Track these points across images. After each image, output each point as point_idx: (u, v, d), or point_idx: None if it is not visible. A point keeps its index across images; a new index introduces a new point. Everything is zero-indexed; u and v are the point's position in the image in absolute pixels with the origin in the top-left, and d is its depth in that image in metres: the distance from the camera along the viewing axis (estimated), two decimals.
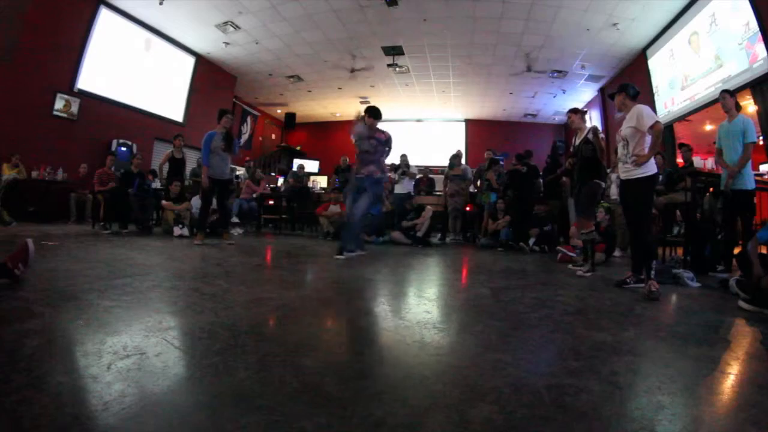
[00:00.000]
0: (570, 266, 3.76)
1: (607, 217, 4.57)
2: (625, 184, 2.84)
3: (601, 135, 3.48)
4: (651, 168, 2.70)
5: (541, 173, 6.42)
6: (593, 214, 3.71)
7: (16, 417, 0.80)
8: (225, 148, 4.55)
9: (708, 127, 7.89)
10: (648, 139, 2.71)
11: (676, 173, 4.71)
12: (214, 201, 4.81)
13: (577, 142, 3.63)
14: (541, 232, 5.52)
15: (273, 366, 1.15)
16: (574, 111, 3.68)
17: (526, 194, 6.01)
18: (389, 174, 7.04)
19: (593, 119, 10.92)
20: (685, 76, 7.16)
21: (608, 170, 5.31)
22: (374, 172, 3.89)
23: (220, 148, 4.51)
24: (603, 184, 3.64)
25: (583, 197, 3.51)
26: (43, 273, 2.28)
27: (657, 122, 2.67)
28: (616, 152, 3.10)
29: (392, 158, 4.93)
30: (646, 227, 2.77)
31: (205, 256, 3.58)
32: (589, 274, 3.30)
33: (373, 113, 4.07)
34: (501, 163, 6.84)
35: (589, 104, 11.26)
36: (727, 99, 3.69)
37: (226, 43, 9.19)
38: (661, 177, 4.45)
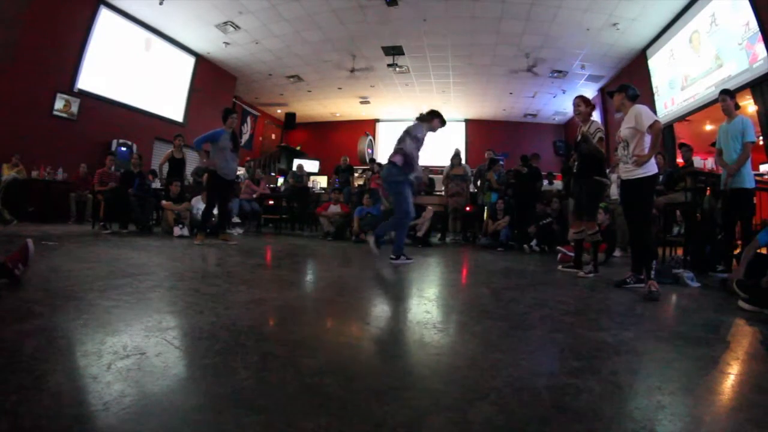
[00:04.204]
0: (561, 267, 3.68)
1: (607, 216, 4.56)
2: (626, 184, 2.83)
3: (600, 136, 3.31)
4: (652, 168, 2.70)
5: (545, 175, 6.40)
6: (596, 214, 3.63)
7: (16, 417, 0.80)
8: (233, 149, 4.52)
9: (708, 127, 7.89)
10: (647, 138, 2.71)
11: (676, 173, 4.71)
12: None
13: (578, 138, 3.48)
14: (540, 225, 5.51)
15: (273, 366, 1.15)
16: (585, 101, 3.47)
17: (526, 195, 5.98)
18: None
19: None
20: (685, 76, 7.17)
21: (608, 170, 5.30)
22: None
23: (229, 149, 4.48)
24: (606, 181, 3.56)
25: (585, 196, 3.41)
26: (43, 273, 2.28)
27: (656, 121, 2.67)
28: (616, 152, 3.08)
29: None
30: (647, 227, 2.77)
31: (205, 256, 3.58)
32: (591, 275, 3.23)
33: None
34: (501, 162, 6.84)
35: None
36: (727, 101, 3.68)
37: (226, 43, 9.19)
38: (661, 177, 4.45)
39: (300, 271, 3.27)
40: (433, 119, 3.68)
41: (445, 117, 3.86)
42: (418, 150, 3.56)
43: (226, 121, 4.55)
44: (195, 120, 9.71)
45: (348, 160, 8.38)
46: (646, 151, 2.69)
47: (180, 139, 6.00)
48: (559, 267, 3.70)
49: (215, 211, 4.85)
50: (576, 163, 3.52)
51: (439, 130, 3.81)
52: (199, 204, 5.54)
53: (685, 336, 1.67)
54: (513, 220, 5.92)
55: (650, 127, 2.65)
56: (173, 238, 5.10)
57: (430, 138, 3.74)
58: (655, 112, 7.95)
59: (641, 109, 2.74)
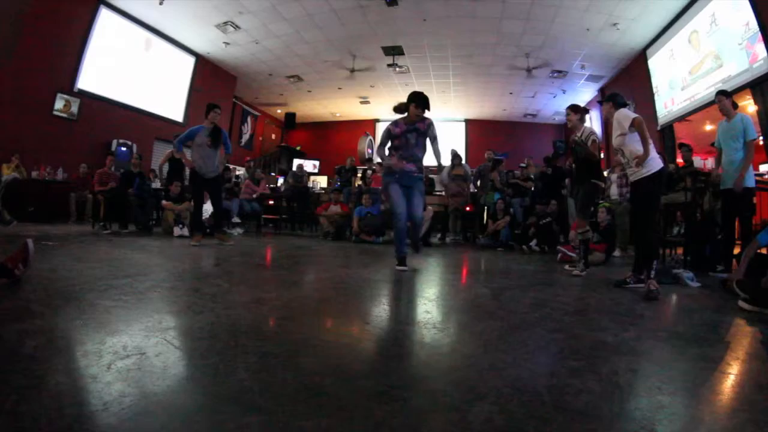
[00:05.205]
0: (566, 266, 3.73)
1: (609, 217, 4.56)
2: (633, 186, 2.85)
3: (594, 138, 3.35)
4: (655, 165, 2.68)
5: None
6: (589, 215, 3.69)
7: (16, 417, 0.80)
8: (210, 144, 4.35)
9: (708, 127, 7.89)
10: (636, 137, 2.71)
11: (676, 173, 4.71)
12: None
13: (573, 144, 3.58)
14: (540, 225, 5.50)
15: (273, 366, 1.15)
16: (573, 109, 3.56)
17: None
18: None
19: (593, 119, 10.94)
20: (685, 76, 7.17)
21: (607, 171, 5.31)
22: (416, 171, 3.29)
23: (206, 144, 4.34)
24: (601, 185, 3.61)
25: (581, 197, 3.48)
26: (43, 273, 2.28)
27: (634, 117, 2.68)
28: (617, 153, 3.09)
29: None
30: (651, 226, 2.77)
31: (205, 256, 3.58)
32: (583, 273, 3.28)
33: (422, 102, 3.25)
34: (503, 163, 6.84)
35: (589, 104, 11.26)
36: (723, 101, 3.67)
37: (226, 43, 9.19)
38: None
39: (300, 271, 3.27)
40: (408, 108, 3.25)
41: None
42: (399, 142, 3.21)
43: (207, 115, 4.42)
44: (195, 120, 9.67)
45: (353, 161, 8.38)
46: (641, 150, 2.69)
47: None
48: (566, 267, 3.72)
49: (211, 208, 4.82)
50: (573, 166, 3.57)
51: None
52: None
53: (685, 336, 1.67)
54: (514, 220, 5.92)
55: (631, 125, 2.67)
56: (173, 238, 5.10)
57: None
58: (655, 112, 8.01)
59: (618, 114, 2.78)
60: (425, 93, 3.35)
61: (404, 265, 3.15)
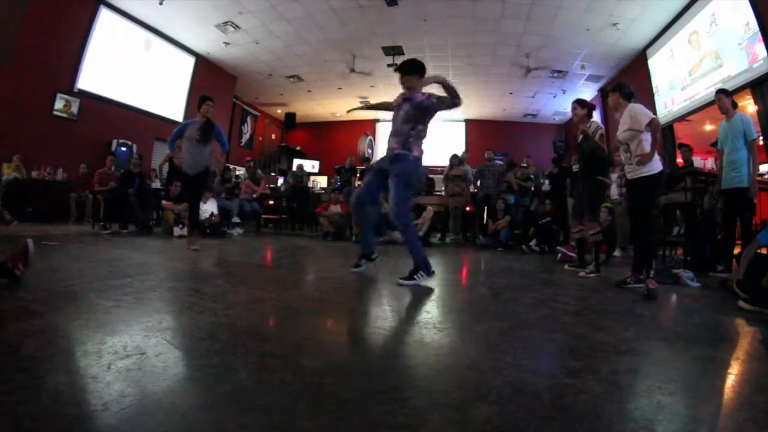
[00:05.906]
0: (566, 266, 3.72)
1: (610, 218, 4.56)
2: (631, 184, 2.84)
3: (601, 132, 3.33)
4: (656, 166, 2.68)
5: (545, 174, 6.39)
6: (598, 214, 3.63)
7: (16, 417, 0.80)
8: (199, 139, 3.93)
9: (708, 127, 7.90)
10: (647, 137, 2.70)
11: (676, 173, 4.71)
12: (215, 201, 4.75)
13: (579, 138, 3.51)
14: (539, 225, 5.50)
15: (273, 366, 1.15)
16: (581, 103, 3.50)
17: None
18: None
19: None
20: (685, 76, 7.17)
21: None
22: (395, 148, 2.72)
23: (195, 139, 3.96)
24: (608, 181, 3.57)
25: (587, 196, 3.42)
26: (43, 273, 2.27)
27: (653, 118, 2.66)
28: (617, 152, 3.07)
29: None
30: (649, 226, 2.77)
31: (204, 257, 3.58)
32: (593, 275, 3.22)
33: (409, 69, 2.85)
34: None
35: None
36: (722, 100, 3.66)
37: (226, 43, 9.19)
38: None
39: (300, 271, 3.27)
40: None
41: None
42: (393, 116, 2.88)
43: (199, 108, 4.11)
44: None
45: (353, 160, 8.37)
46: (648, 149, 2.68)
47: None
48: (566, 267, 3.70)
49: (211, 208, 4.76)
50: (578, 164, 3.54)
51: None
52: (205, 205, 5.53)
53: (684, 336, 1.67)
54: (514, 220, 5.92)
55: (648, 124, 2.65)
56: (173, 238, 5.10)
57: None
58: (655, 112, 7.98)
59: (636, 109, 2.73)
60: (419, 60, 2.97)
61: (359, 265, 2.88)
